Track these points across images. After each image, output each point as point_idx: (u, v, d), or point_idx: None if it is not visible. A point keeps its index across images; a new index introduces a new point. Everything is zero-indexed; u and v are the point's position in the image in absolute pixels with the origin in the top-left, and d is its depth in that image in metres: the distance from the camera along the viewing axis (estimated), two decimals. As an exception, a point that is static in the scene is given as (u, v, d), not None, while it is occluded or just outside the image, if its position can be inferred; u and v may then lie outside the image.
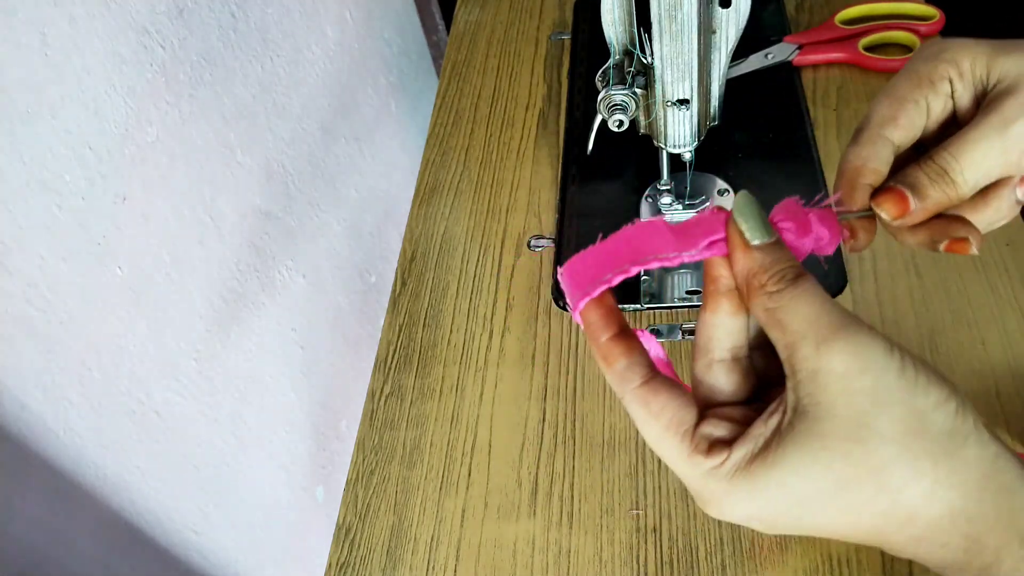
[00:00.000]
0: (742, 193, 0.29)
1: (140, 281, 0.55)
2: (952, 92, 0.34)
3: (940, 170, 0.32)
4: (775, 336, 0.29)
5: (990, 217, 0.35)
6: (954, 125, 0.35)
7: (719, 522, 0.51)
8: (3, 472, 0.45)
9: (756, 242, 0.29)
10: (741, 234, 0.29)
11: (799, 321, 0.27)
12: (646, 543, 0.51)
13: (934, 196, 0.32)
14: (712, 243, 0.30)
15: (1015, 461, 0.27)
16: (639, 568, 0.50)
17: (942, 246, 0.34)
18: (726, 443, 0.29)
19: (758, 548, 0.49)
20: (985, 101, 0.33)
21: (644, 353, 0.31)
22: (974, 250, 0.33)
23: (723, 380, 0.31)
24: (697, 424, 0.29)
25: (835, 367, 0.27)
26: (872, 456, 0.26)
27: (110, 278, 0.52)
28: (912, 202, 0.32)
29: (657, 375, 0.31)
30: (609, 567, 0.50)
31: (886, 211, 0.33)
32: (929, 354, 0.56)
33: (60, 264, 0.48)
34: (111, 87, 0.52)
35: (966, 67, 0.34)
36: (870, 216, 0.34)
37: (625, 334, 0.31)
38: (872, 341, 0.27)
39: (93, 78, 0.50)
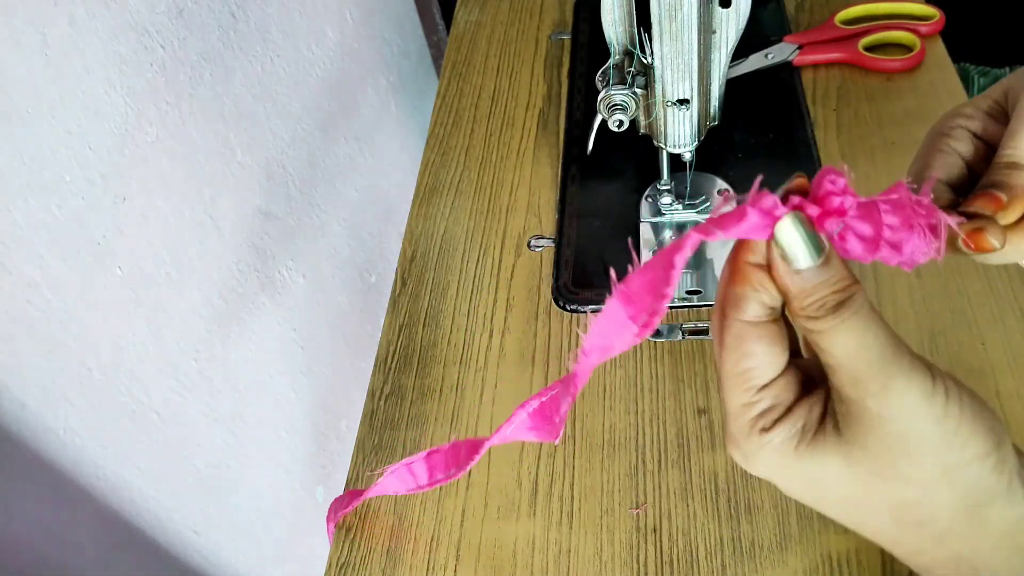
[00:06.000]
0: (790, 215, 0.26)
1: (140, 281, 0.55)
2: (972, 132, 0.36)
3: (1008, 163, 0.33)
4: (816, 350, 0.28)
5: None
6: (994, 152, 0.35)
7: (719, 522, 0.51)
8: (3, 472, 0.45)
9: (797, 267, 0.27)
10: (782, 255, 0.27)
11: (837, 353, 0.27)
12: (646, 543, 0.51)
13: (1020, 184, 0.32)
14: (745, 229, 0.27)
15: None
16: (639, 568, 0.50)
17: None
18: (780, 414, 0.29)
19: (758, 548, 0.49)
20: (1011, 107, 0.34)
21: (776, 301, 0.29)
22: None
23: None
24: (768, 384, 0.29)
25: (870, 406, 0.26)
26: (894, 494, 0.27)
27: (110, 278, 0.52)
28: (1002, 195, 0.32)
29: (773, 323, 0.29)
30: (609, 567, 0.50)
31: (984, 207, 0.32)
32: (929, 354, 0.56)
33: (60, 264, 0.48)
34: (111, 87, 0.52)
35: (969, 111, 0.36)
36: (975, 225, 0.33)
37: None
38: (909, 385, 0.26)
39: (93, 78, 0.50)
